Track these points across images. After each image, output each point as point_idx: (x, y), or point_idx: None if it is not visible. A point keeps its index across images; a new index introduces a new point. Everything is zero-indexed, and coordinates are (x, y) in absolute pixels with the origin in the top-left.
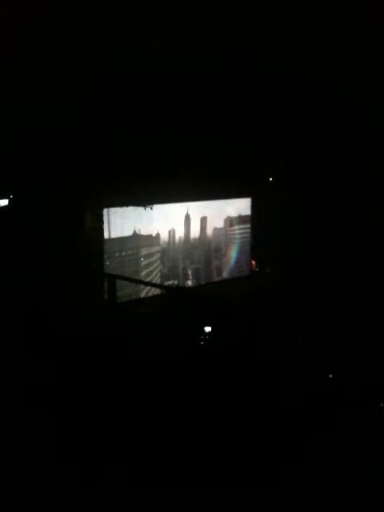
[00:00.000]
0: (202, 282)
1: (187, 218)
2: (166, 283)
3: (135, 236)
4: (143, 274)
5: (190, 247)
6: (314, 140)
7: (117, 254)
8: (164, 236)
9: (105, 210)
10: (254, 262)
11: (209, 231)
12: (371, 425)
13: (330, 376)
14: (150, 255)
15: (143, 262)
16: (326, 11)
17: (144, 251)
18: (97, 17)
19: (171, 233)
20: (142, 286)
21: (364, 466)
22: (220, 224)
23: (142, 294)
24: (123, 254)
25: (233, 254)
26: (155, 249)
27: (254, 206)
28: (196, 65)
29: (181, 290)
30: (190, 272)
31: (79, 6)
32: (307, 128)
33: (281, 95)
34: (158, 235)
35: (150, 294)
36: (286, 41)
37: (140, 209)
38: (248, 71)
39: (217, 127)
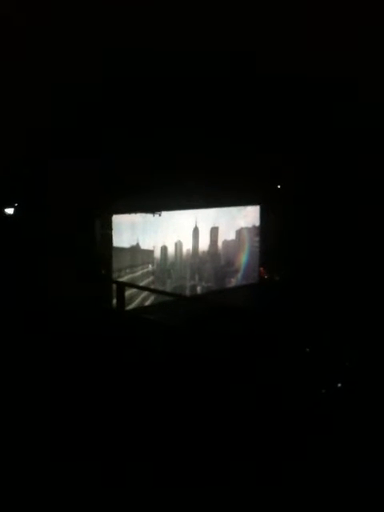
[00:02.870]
0: (213, 288)
1: (196, 230)
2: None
3: (138, 248)
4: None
5: (198, 261)
6: (322, 145)
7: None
8: (171, 249)
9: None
10: (262, 270)
11: (219, 242)
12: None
13: (339, 385)
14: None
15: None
16: (326, 11)
17: (142, 270)
18: (98, 17)
19: (178, 245)
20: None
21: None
22: (230, 234)
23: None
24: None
25: (242, 262)
26: (151, 267)
27: (262, 214)
28: (207, 66)
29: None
30: (199, 288)
31: (79, 7)
32: (314, 132)
33: (284, 97)
34: (164, 248)
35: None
36: (287, 41)
37: (148, 217)
38: (253, 73)
39: (224, 133)
